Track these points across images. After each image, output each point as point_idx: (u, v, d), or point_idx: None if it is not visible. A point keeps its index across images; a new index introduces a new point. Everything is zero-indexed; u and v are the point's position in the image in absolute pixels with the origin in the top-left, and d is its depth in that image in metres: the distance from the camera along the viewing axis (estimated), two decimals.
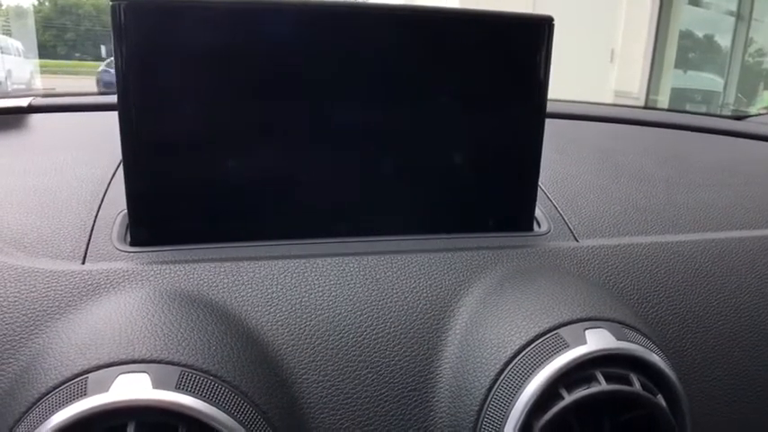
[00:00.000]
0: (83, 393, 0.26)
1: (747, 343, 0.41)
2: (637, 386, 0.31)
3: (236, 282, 0.34)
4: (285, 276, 0.35)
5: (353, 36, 0.36)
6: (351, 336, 0.34)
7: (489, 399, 0.32)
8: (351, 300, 0.35)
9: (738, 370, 0.40)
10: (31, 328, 0.31)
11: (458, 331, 0.35)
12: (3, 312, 0.31)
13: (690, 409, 0.33)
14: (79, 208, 0.39)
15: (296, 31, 0.36)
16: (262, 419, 0.29)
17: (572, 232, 0.43)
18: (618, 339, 0.32)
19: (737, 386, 0.40)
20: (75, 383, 0.27)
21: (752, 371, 0.40)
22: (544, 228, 0.43)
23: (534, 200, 0.42)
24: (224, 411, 0.27)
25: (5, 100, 0.54)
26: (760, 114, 0.83)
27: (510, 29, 0.39)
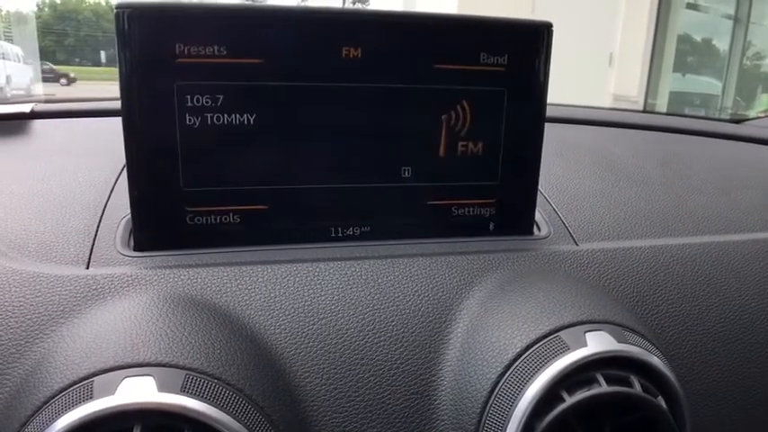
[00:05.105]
0: (89, 396, 0.27)
1: (747, 345, 0.41)
2: (637, 388, 0.31)
3: (240, 285, 0.35)
4: (288, 280, 0.35)
5: (353, 41, 0.37)
6: (353, 339, 0.34)
7: (491, 401, 0.32)
8: (353, 303, 0.35)
9: (738, 372, 0.40)
10: (36, 332, 0.31)
11: (459, 334, 0.35)
12: (8, 317, 0.31)
13: (690, 411, 0.33)
14: (83, 213, 0.39)
15: (298, 37, 0.36)
16: (266, 422, 0.29)
17: (572, 236, 0.43)
18: (618, 342, 0.33)
19: (737, 388, 0.40)
20: (81, 387, 0.27)
21: (752, 372, 0.40)
22: (544, 231, 0.43)
23: (534, 204, 0.43)
24: (228, 414, 0.28)
25: (8, 106, 0.54)
26: (758, 117, 0.84)
27: (509, 34, 0.39)
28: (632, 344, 0.33)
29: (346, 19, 0.37)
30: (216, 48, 0.35)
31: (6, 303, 0.32)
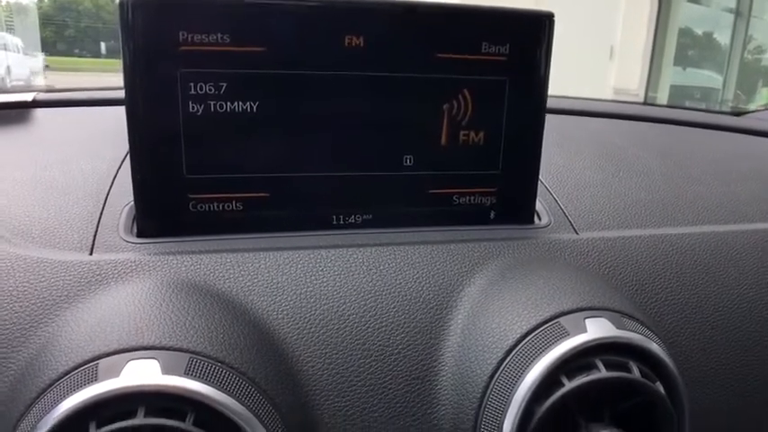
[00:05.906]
0: (93, 379, 0.27)
1: (744, 333, 0.41)
2: (636, 373, 0.31)
3: (242, 272, 0.35)
4: (290, 267, 0.36)
5: (355, 30, 0.37)
6: (354, 325, 0.34)
7: (491, 386, 0.32)
8: (354, 290, 0.35)
9: (736, 359, 0.41)
10: (41, 316, 0.31)
11: (460, 321, 0.36)
12: (12, 301, 0.32)
13: (688, 397, 0.34)
14: (86, 200, 0.39)
15: (300, 25, 0.36)
16: (269, 405, 0.29)
17: (572, 225, 0.43)
18: (617, 328, 0.33)
19: (735, 375, 0.40)
20: (86, 369, 0.27)
21: (749, 360, 0.41)
22: (545, 220, 0.43)
23: (535, 193, 0.43)
24: (232, 397, 0.28)
25: (10, 95, 0.55)
26: (758, 110, 0.84)
27: (510, 24, 0.39)
28: (631, 330, 0.33)
29: (349, 8, 0.37)
30: (219, 36, 0.35)
31: (11, 288, 0.32)
